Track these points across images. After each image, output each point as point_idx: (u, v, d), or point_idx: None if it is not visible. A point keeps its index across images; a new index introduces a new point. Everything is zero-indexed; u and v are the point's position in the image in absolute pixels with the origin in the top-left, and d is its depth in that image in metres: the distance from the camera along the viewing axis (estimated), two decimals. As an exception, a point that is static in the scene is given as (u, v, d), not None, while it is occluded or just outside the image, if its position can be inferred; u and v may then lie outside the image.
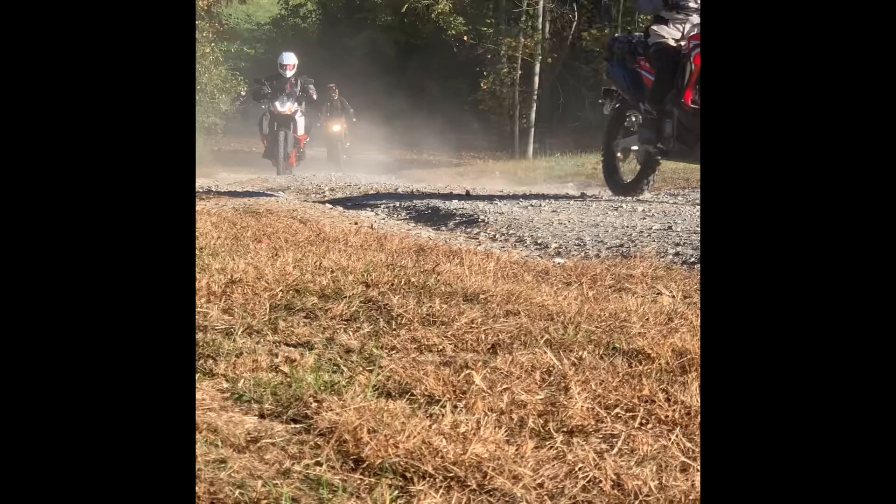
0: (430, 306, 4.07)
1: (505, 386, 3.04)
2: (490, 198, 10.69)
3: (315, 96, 22.97)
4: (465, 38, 32.94)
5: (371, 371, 3.20)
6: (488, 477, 2.41)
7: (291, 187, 13.47)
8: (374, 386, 3.06)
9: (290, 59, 22.80)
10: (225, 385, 3.08)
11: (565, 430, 2.77)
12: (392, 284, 4.53)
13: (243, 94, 26.74)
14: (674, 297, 4.64)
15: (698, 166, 10.29)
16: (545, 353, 3.38)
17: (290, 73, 22.57)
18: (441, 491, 2.35)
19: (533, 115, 32.85)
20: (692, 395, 2.97)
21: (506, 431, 2.71)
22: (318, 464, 2.48)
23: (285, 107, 22.13)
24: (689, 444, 2.65)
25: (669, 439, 2.68)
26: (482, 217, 8.69)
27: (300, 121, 22.55)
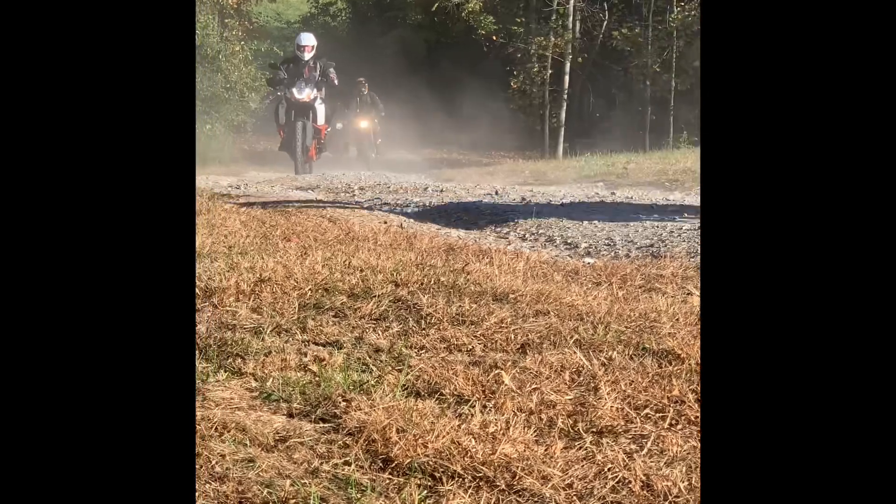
0: (460, 306, 4.06)
1: (534, 386, 3.04)
2: (520, 197, 10.67)
3: (337, 82, 20.02)
4: (495, 37, 32.89)
5: (400, 370, 3.20)
6: (517, 477, 2.41)
7: (321, 186, 13.48)
8: (403, 385, 3.05)
9: (308, 39, 20.03)
10: (254, 384, 3.08)
11: (595, 430, 2.76)
12: (421, 284, 4.53)
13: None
14: (704, 297, 4.62)
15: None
16: (575, 353, 3.37)
17: (308, 56, 19.82)
18: (470, 491, 2.35)
19: (563, 115, 32.77)
20: (722, 396, 2.95)
21: (535, 431, 2.70)
22: (347, 463, 2.48)
23: (303, 93, 19.50)
24: (719, 446, 2.64)
25: (699, 440, 2.67)
26: (512, 216, 8.67)
27: (320, 109, 19.92)
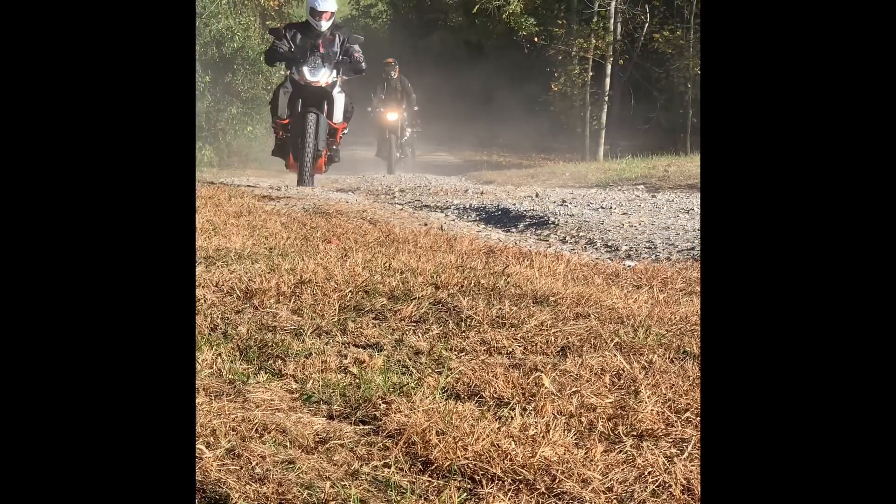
0: (500, 308, 4.06)
1: (574, 389, 3.03)
2: (560, 200, 10.66)
3: (364, 64, 13.27)
4: (536, 38, 32.88)
5: (440, 373, 3.20)
6: (557, 480, 2.40)
7: (361, 188, 13.49)
8: (443, 388, 3.06)
9: (328, 3, 13.13)
10: (294, 385, 3.09)
11: (635, 433, 2.75)
12: (461, 286, 4.53)
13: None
14: (745, 300, 4.61)
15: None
16: (615, 356, 3.36)
17: (326, 25, 13.14)
18: (510, 494, 2.34)
19: (604, 117, 32.75)
20: (764, 400, 2.94)
21: (575, 434, 2.70)
22: (387, 465, 2.48)
23: (318, 75, 12.97)
24: (760, 450, 2.63)
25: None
26: (552, 219, 8.67)
27: (339, 100, 13.29)
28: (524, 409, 2.88)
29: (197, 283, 4.06)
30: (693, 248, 6.77)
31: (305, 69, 12.90)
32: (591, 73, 33.38)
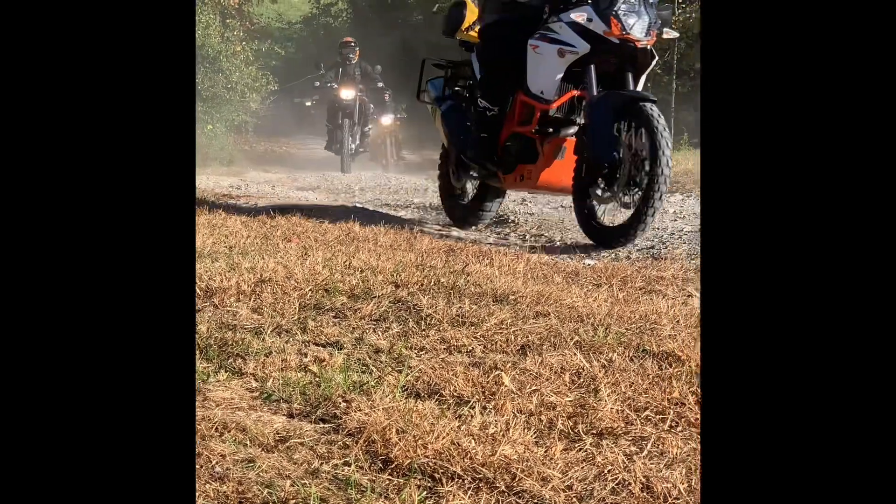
0: (460, 307, 4.06)
1: (534, 387, 3.04)
2: (521, 199, 10.66)
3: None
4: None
5: (400, 371, 3.20)
6: (517, 478, 2.41)
7: (321, 187, 13.47)
8: (403, 386, 3.06)
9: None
10: (254, 384, 3.08)
11: (595, 432, 2.76)
12: (422, 285, 4.53)
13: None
14: (704, 299, 4.63)
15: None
16: (575, 354, 3.37)
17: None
18: (469, 492, 2.35)
19: (564, 117, 32.77)
20: (722, 398, 2.96)
21: (535, 433, 2.70)
22: (347, 464, 2.48)
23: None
24: (719, 448, 2.64)
25: (699, 443, 2.67)
26: (512, 218, 8.67)
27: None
28: (484, 408, 2.88)
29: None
30: (653, 247, 6.78)
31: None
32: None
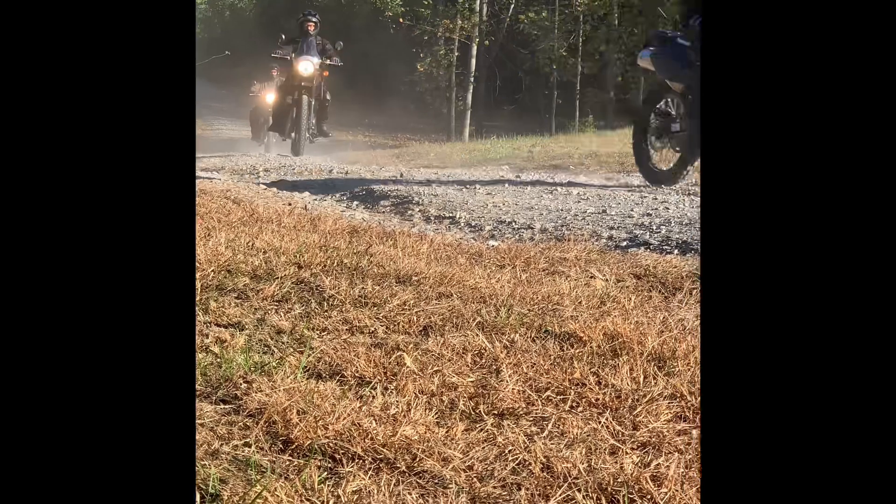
0: (363, 288, 4.06)
1: (436, 368, 3.04)
2: (425, 180, 10.68)
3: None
4: (402, 19, 32.91)
5: (302, 352, 3.19)
6: (417, 459, 2.41)
7: (225, 167, 13.40)
8: (305, 367, 3.05)
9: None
10: (154, 365, 3.06)
11: (496, 412, 2.77)
12: (324, 266, 4.52)
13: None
14: (607, 280, 4.66)
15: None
16: (477, 335, 3.38)
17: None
18: (370, 472, 2.35)
19: (469, 98, 32.88)
20: (622, 379, 2.98)
21: (436, 413, 2.71)
22: (247, 445, 2.47)
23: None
24: (618, 428, 2.66)
25: (599, 422, 2.69)
26: (416, 199, 8.68)
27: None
28: (385, 389, 2.88)
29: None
30: (557, 229, 6.81)
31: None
32: (456, 54, 33.49)
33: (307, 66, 17.71)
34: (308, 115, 17.79)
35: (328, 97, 18.60)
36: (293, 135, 17.95)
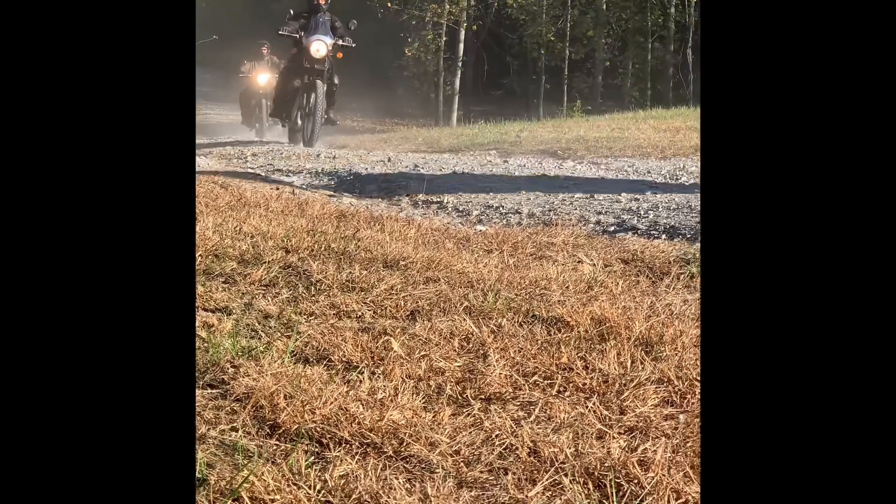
0: (350, 272, 4.06)
1: (423, 353, 3.04)
2: (413, 164, 10.67)
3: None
4: (390, 3, 32.85)
5: (289, 337, 3.19)
6: (405, 443, 2.41)
7: (213, 152, 13.37)
8: (292, 352, 3.05)
9: None
10: (141, 350, 3.05)
11: (483, 397, 2.77)
12: (312, 250, 4.52)
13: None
14: (594, 265, 4.66)
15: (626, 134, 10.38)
16: (464, 320, 3.38)
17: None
18: (357, 457, 2.35)
19: (457, 82, 32.86)
20: (610, 363, 2.98)
21: (423, 398, 2.71)
22: (234, 429, 2.47)
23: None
24: (605, 412, 2.66)
25: (587, 407, 2.69)
26: (404, 183, 8.67)
27: None
28: (373, 373, 2.88)
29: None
30: (545, 214, 6.81)
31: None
32: (444, 39, 33.47)
33: (320, 47, 15.54)
34: (323, 101, 15.55)
35: (336, 81, 16.40)
36: (299, 122, 15.86)
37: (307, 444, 2.40)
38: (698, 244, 5.20)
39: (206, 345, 3.07)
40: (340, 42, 15.93)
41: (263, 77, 20.87)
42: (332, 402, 2.56)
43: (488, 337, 3.21)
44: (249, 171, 10.31)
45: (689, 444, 2.45)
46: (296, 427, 2.47)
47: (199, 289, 3.74)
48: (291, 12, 16.51)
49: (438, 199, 7.74)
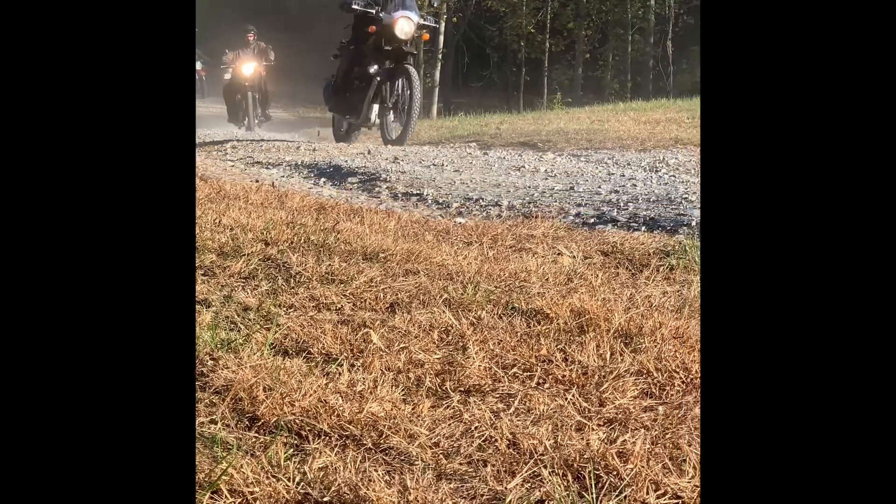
0: (330, 264, 4.05)
1: (403, 345, 3.04)
2: (392, 157, 10.66)
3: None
4: (370, -5, 32.80)
5: (268, 329, 3.19)
6: (384, 436, 2.41)
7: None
8: (271, 344, 3.04)
9: None
10: (120, 342, 3.05)
11: (462, 389, 2.77)
12: (291, 242, 4.51)
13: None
14: (574, 257, 4.66)
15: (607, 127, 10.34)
16: (444, 312, 3.38)
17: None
18: (336, 449, 2.35)
19: (437, 75, 32.84)
20: (589, 356, 2.98)
21: (402, 390, 2.71)
22: (213, 422, 2.47)
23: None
24: (584, 404, 2.66)
25: (566, 399, 2.69)
26: (384, 175, 8.66)
27: None
28: (352, 365, 2.88)
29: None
30: (525, 206, 6.81)
31: None
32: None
33: (407, 25, 13.05)
34: (419, 89, 13.17)
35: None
36: (371, 118, 13.72)
37: (286, 437, 2.40)
38: (677, 236, 5.21)
39: (185, 337, 3.07)
40: (422, 21, 13.33)
41: (249, 67, 21.19)
42: (311, 395, 2.56)
43: (468, 329, 3.22)
44: (229, 161, 10.29)
45: (667, 436, 2.45)
46: (275, 419, 2.47)
47: (179, 281, 3.74)
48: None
49: (418, 192, 7.74)
